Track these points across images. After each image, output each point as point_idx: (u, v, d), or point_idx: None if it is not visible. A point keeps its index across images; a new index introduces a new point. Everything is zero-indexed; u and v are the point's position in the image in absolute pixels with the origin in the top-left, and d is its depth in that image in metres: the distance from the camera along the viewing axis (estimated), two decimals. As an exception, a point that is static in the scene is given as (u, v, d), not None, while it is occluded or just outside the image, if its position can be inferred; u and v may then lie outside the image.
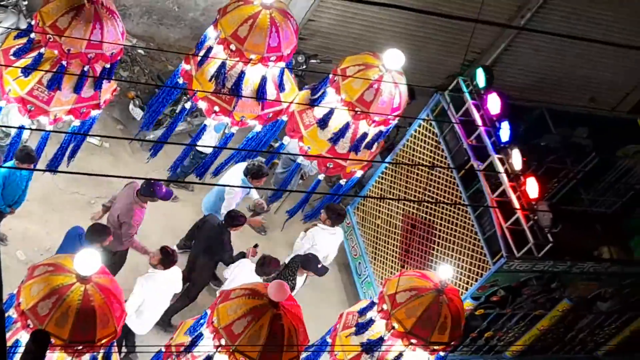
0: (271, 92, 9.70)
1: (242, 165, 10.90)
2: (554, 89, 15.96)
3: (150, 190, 9.88)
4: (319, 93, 10.13)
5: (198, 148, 11.38)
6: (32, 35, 9.02)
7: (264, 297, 7.62)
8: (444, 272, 8.71)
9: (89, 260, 6.83)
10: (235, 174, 10.94)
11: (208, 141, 11.02)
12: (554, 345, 12.30)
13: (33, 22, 8.98)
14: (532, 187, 10.30)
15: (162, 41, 13.54)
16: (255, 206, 11.52)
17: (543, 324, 11.61)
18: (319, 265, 10.61)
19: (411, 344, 8.45)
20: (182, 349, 7.86)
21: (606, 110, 15.54)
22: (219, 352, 7.57)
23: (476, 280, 10.66)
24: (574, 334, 12.22)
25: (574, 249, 11.08)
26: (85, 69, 9.02)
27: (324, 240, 11.10)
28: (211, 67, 9.45)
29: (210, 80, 9.45)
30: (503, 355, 12.16)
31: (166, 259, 9.45)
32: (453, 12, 13.21)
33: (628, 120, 12.87)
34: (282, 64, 9.56)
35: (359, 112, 9.87)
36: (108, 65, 9.19)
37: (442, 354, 8.86)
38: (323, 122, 9.96)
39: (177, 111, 11.12)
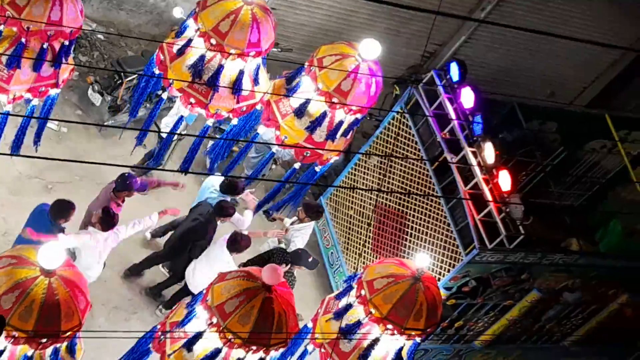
0: (247, 85, 9.76)
1: (214, 178, 10.98)
2: (514, 83, 16.12)
3: (126, 184, 9.88)
4: (294, 82, 10.22)
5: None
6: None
7: (257, 280, 7.76)
8: (421, 260, 8.85)
9: (53, 254, 6.78)
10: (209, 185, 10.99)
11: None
12: (522, 335, 12.51)
13: None
14: (504, 180, 10.49)
15: (121, 26, 13.46)
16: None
17: (512, 314, 11.81)
18: (310, 260, 10.70)
19: (387, 329, 8.57)
20: (175, 326, 7.96)
21: (564, 103, 15.72)
22: (210, 329, 7.69)
23: (448, 271, 10.84)
24: (542, 324, 12.44)
25: (542, 240, 11.29)
26: (45, 46, 8.91)
27: (301, 238, 11.20)
28: (189, 59, 9.48)
29: (188, 71, 9.48)
30: (472, 345, 12.35)
31: (106, 219, 9.39)
32: (414, 4, 13.30)
33: (596, 116, 13.09)
34: (260, 59, 9.63)
35: (335, 102, 10.00)
36: (67, 43, 9.10)
37: (418, 340, 9.01)
38: (299, 112, 10.06)
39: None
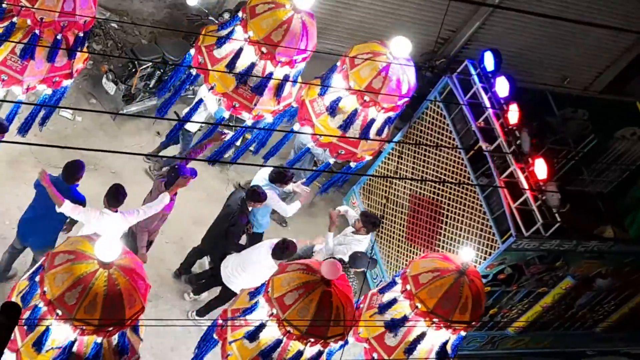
0: (287, 87, 10.01)
1: (265, 170, 11.08)
2: (528, 68, 15.95)
3: (175, 176, 9.97)
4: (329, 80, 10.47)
5: (187, 127, 11.58)
6: (4, 5, 8.98)
7: (317, 273, 7.95)
8: (466, 254, 9.00)
9: (110, 247, 6.96)
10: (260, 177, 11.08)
11: (200, 115, 11.25)
12: (555, 322, 12.62)
13: None
14: (540, 168, 10.59)
15: (135, 15, 13.42)
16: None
17: (546, 301, 11.91)
18: (369, 262, 10.78)
19: (433, 323, 8.72)
20: (236, 314, 8.23)
21: (578, 89, 15.77)
22: (270, 320, 7.92)
23: (484, 259, 10.93)
24: (575, 310, 12.55)
25: (574, 227, 11.38)
26: (58, 37, 9.09)
27: (355, 248, 11.09)
28: (228, 59, 9.64)
29: (238, 79, 9.65)
30: (506, 332, 12.47)
31: (114, 194, 9.35)
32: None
33: (627, 103, 13.17)
34: (304, 64, 9.85)
35: (367, 100, 10.24)
36: (81, 34, 9.27)
37: (462, 333, 9.15)
38: (332, 110, 10.27)
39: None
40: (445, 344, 9.02)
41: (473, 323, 8.98)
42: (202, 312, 10.83)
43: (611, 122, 13.08)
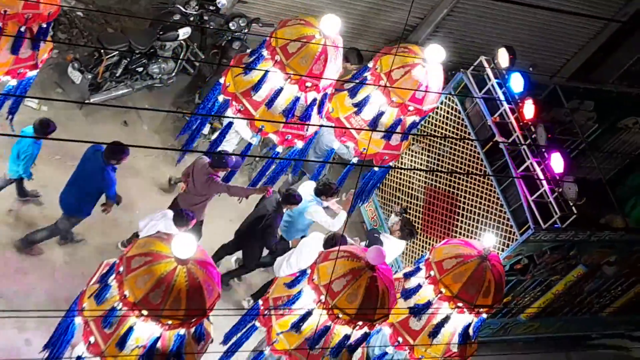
0: (314, 112, 10.32)
1: (310, 183, 11.35)
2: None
3: (222, 161, 10.40)
4: (361, 98, 10.72)
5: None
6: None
7: (361, 260, 8.27)
8: (488, 240, 9.30)
9: (186, 244, 7.28)
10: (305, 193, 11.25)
11: (231, 142, 11.55)
12: (565, 307, 13.02)
13: None
14: (557, 162, 10.92)
15: (101, 3, 13.15)
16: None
17: (558, 288, 12.30)
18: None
19: (457, 307, 9.03)
20: (278, 302, 8.55)
21: (547, 75, 15.93)
22: (319, 307, 8.22)
23: (502, 250, 11.25)
24: (584, 296, 12.96)
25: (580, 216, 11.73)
26: (22, 29, 9.11)
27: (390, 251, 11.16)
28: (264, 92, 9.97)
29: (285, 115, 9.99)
30: (518, 318, 12.85)
31: (179, 220, 9.70)
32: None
33: (631, 95, 13.57)
34: (331, 89, 10.20)
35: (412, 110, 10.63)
36: (44, 25, 9.30)
37: (484, 316, 9.48)
38: (374, 124, 10.58)
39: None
40: (468, 326, 9.36)
41: (495, 306, 9.29)
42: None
43: (615, 112, 13.48)
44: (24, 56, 9.36)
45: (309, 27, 9.77)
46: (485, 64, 11.68)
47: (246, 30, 12.79)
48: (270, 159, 10.96)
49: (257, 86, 9.86)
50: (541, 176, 10.99)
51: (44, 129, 9.80)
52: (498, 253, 11.29)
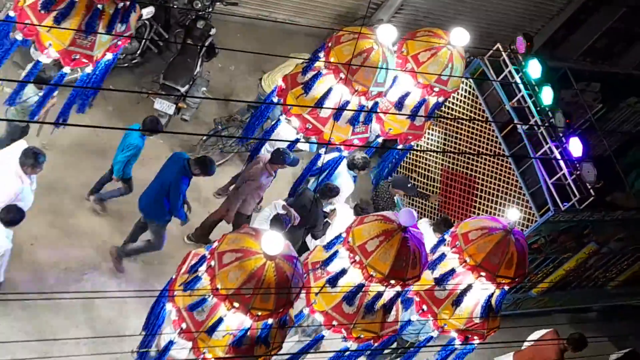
0: (361, 118, 10.66)
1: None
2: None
3: (280, 157, 10.75)
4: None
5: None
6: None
7: (394, 222, 8.67)
8: (513, 214, 9.67)
9: (275, 241, 7.71)
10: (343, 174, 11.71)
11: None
12: (574, 282, 13.56)
13: None
14: (575, 146, 11.36)
15: None
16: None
17: (570, 265, 12.82)
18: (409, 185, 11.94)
19: (480, 276, 9.41)
20: (317, 265, 8.96)
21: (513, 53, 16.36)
22: (353, 266, 8.66)
23: (522, 231, 11.69)
24: (592, 271, 13.49)
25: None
26: (120, 6, 9.32)
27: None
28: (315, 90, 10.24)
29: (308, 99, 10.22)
30: (529, 293, 13.35)
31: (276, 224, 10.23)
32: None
33: (637, 76, 14.04)
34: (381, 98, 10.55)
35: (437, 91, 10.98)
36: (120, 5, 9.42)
37: (506, 288, 9.85)
38: (399, 105, 10.88)
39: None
40: (490, 297, 9.67)
41: (517, 279, 9.56)
42: None
43: (619, 92, 13.97)
44: (120, 30, 9.51)
45: (365, 40, 10.07)
46: (501, 50, 12.05)
47: (210, 9, 12.87)
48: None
49: (321, 103, 10.13)
50: (559, 157, 11.43)
51: (154, 126, 10.35)
52: (517, 234, 11.79)
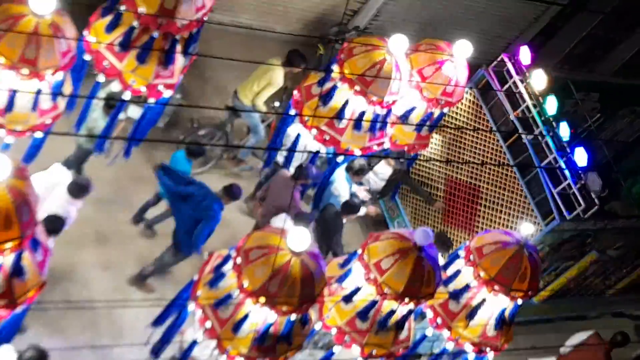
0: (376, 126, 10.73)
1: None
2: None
3: (304, 174, 10.92)
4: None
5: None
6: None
7: (409, 241, 8.79)
8: (526, 229, 9.80)
9: (301, 238, 7.90)
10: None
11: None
12: (574, 290, 13.71)
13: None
14: (581, 156, 11.52)
15: None
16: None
17: (572, 273, 12.97)
18: None
19: (494, 290, 9.51)
20: (331, 280, 9.04)
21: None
22: (368, 283, 8.77)
23: (526, 240, 11.82)
24: (592, 279, 13.66)
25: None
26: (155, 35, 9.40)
27: None
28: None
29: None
30: (531, 301, 13.44)
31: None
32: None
33: (633, 85, 14.26)
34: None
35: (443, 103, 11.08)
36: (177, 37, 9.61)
37: (519, 301, 9.98)
38: (405, 118, 11.01)
39: None
40: (504, 311, 9.80)
41: (530, 293, 9.72)
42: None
43: (617, 102, 14.18)
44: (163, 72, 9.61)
45: (377, 51, 10.19)
46: (508, 62, 12.19)
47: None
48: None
49: (340, 114, 10.25)
50: (563, 167, 11.58)
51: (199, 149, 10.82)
52: (522, 242, 11.92)
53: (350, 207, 11.26)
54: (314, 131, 10.52)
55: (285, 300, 7.87)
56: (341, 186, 11.79)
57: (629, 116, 14.71)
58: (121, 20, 9.33)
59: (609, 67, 18.12)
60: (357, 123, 10.27)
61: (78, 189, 9.50)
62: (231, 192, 10.52)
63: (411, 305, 8.92)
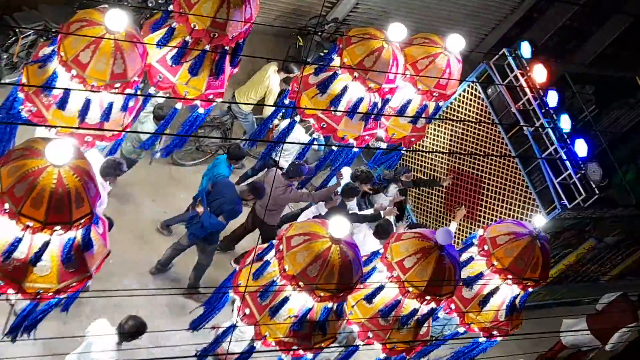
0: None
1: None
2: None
3: (297, 170, 11.09)
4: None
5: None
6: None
7: (431, 240, 9.10)
8: (538, 221, 10.21)
9: (341, 226, 8.25)
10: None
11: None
12: (571, 276, 14.14)
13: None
14: (581, 147, 11.92)
15: None
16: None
17: (570, 259, 13.40)
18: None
19: (507, 279, 9.92)
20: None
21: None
22: (390, 281, 9.08)
23: (528, 229, 12.22)
24: (588, 265, 14.09)
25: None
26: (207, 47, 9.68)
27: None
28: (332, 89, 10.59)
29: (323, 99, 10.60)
30: (529, 288, 13.87)
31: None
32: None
33: (627, 78, 14.65)
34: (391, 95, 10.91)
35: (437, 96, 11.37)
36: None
37: (530, 289, 10.39)
38: (402, 111, 11.33)
39: None
40: (515, 298, 10.19)
41: (541, 282, 10.14)
42: None
43: (611, 94, 14.59)
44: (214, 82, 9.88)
45: (375, 40, 10.46)
46: (508, 55, 12.56)
47: (164, 7, 12.83)
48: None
49: (335, 102, 10.50)
50: (564, 158, 11.98)
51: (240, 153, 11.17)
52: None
53: (351, 190, 11.53)
54: (312, 120, 10.79)
55: (323, 286, 8.20)
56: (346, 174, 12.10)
57: (623, 107, 15.13)
58: (174, 35, 9.69)
59: (584, 58, 18.50)
60: (352, 111, 10.54)
61: (112, 167, 9.79)
62: (256, 191, 10.86)
63: (432, 304, 9.28)
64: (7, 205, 6.97)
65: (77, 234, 7.36)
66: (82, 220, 7.21)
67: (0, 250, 7.22)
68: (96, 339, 8.83)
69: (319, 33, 14.52)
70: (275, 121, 12.00)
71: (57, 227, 7.11)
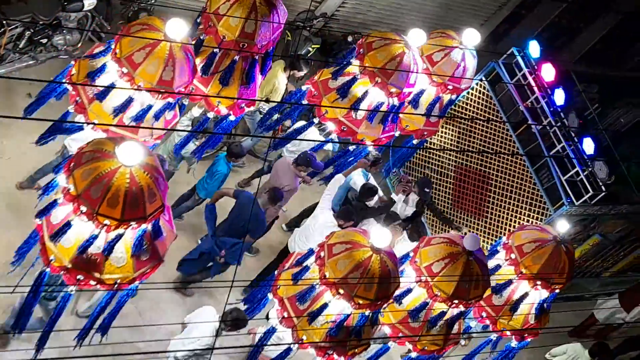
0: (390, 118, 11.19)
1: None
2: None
3: (306, 160, 11.28)
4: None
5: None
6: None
7: (459, 245, 9.32)
8: (562, 226, 10.44)
9: (382, 237, 8.52)
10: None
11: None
12: (575, 271, 14.31)
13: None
14: (588, 145, 12.13)
15: None
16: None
17: (575, 255, 13.58)
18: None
19: (536, 285, 10.19)
20: None
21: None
22: (419, 285, 9.33)
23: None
24: (592, 261, 14.32)
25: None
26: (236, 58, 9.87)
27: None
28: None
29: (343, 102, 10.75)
30: (535, 283, 14.08)
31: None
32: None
33: (631, 77, 14.89)
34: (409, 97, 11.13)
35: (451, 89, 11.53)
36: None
37: (557, 290, 10.61)
38: (415, 102, 11.48)
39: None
40: (544, 301, 10.50)
41: (567, 283, 10.45)
42: None
43: (615, 93, 14.81)
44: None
45: (396, 45, 10.61)
46: (517, 55, 12.75)
47: (152, 1, 13.02)
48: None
49: (357, 105, 10.65)
50: (572, 155, 12.19)
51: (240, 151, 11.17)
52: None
53: (368, 191, 11.71)
54: (332, 123, 10.91)
55: (362, 294, 8.42)
56: (359, 180, 12.21)
57: (625, 106, 15.36)
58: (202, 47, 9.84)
59: (573, 55, 18.61)
60: (372, 115, 10.72)
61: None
62: (274, 196, 11.05)
63: (461, 307, 9.50)
64: (83, 207, 7.28)
65: (148, 225, 7.67)
66: (155, 214, 7.53)
67: (76, 246, 7.52)
68: (197, 325, 9.29)
69: (308, 28, 14.66)
70: (287, 122, 12.18)
71: (133, 223, 7.44)
